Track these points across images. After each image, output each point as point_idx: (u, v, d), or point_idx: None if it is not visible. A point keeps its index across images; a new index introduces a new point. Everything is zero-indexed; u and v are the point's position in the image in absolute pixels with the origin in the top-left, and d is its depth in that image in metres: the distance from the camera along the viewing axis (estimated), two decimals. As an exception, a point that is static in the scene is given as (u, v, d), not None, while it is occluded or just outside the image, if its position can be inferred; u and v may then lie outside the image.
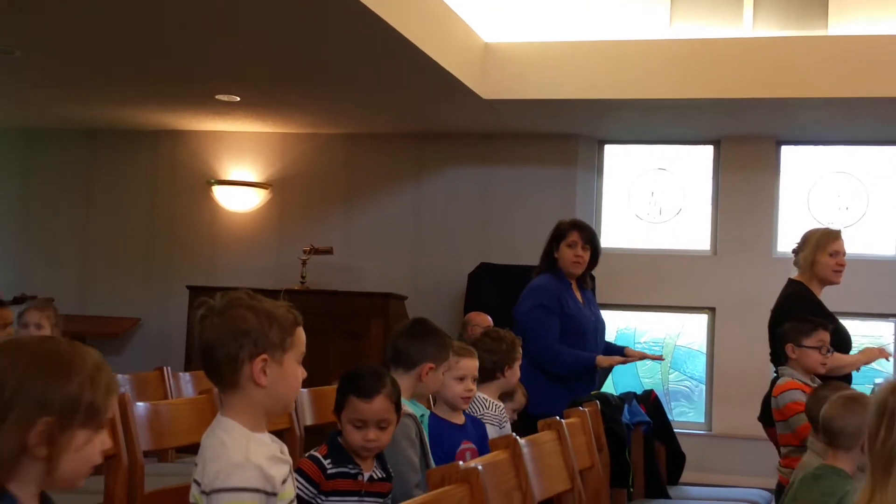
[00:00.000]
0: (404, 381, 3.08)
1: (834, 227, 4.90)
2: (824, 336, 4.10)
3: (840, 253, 4.75)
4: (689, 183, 8.48)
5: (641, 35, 7.19)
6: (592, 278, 5.29)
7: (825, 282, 4.77)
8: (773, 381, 4.67)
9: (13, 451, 1.58)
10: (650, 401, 4.88)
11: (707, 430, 8.16)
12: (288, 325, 2.16)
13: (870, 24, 6.88)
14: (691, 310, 8.34)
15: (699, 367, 8.32)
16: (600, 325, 4.98)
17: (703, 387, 8.28)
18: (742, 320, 8.09)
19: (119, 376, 4.64)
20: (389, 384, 2.69)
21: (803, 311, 4.54)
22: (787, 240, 8.23)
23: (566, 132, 8.35)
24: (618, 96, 7.19)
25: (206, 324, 2.13)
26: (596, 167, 8.59)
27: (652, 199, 8.54)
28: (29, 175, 9.53)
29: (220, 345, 2.10)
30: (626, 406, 4.42)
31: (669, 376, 8.38)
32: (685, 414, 8.32)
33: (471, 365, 3.38)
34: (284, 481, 2.10)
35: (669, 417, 5.21)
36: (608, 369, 4.88)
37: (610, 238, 8.56)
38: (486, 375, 3.81)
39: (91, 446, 1.67)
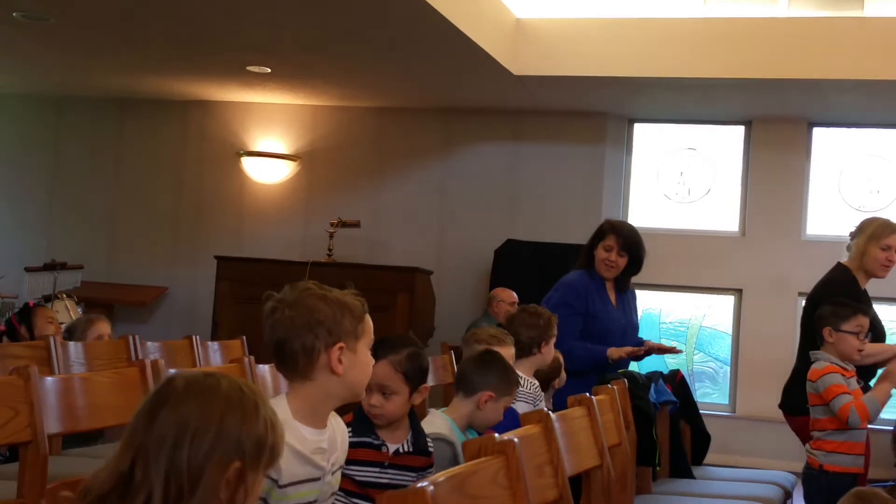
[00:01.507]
0: (462, 406, 3.05)
1: (894, 220, 4.77)
2: (863, 321, 4.04)
3: (893, 248, 4.61)
4: (718, 163, 8.43)
5: (674, 13, 7.13)
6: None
7: (871, 274, 4.66)
8: (797, 368, 4.65)
9: (209, 497, 1.51)
10: (676, 381, 4.85)
11: (731, 411, 8.15)
12: (359, 313, 2.18)
13: (907, 6, 6.79)
14: (718, 291, 8.32)
15: (724, 349, 8.30)
16: (630, 329, 4.87)
17: (728, 368, 8.26)
18: (769, 303, 8.07)
19: (149, 343, 4.70)
20: (403, 354, 2.65)
21: (844, 296, 4.48)
22: (816, 223, 8.18)
23: (596, 110, 8.31)
24: (649, 74, 7.15)
25: (277, 317, 2.13)
26: (625, 145, 8.56)
27: (681, 178, 8.50)
28: (59, 142, 9.59)
29: (294, 336, 2.11)
30: (652, 385, 4.41)
31: (694, 357, 8.36)
32: (709, 395, 8.30)
33: (505, 354, 3.33)
34: (302, 482, 2.09)
35: (694, 397, 5.19)
36: (625, 361, 4.82)
37: (637, 217, 8.53)
38: (523, 351, 3.84)
39: (257, 487, 1.60)
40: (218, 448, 1.50)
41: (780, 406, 4.77)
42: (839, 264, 4.73)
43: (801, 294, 8.03)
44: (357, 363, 2.15)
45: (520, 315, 3.93)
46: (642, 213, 8.52)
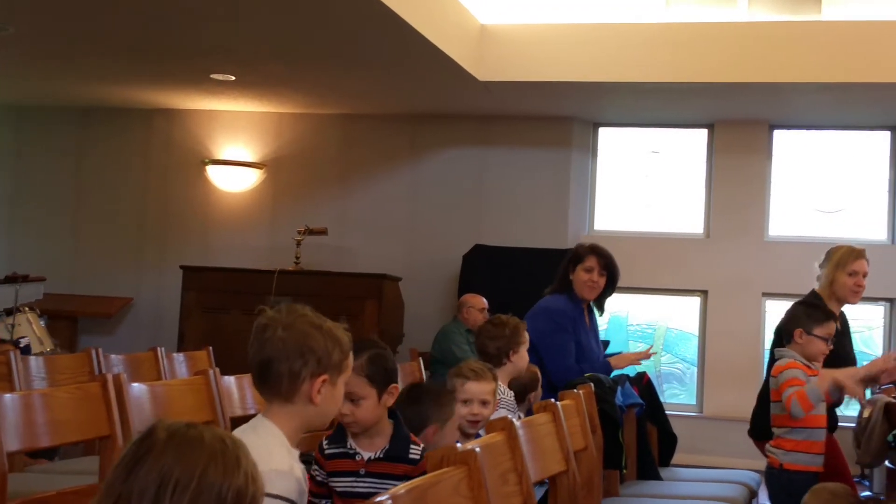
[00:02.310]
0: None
1: (858, 245, 4.78)
2: (832, 329, 4.07)
3: (860, 273, 4.66)
4: (682, 166, 8.49)
5: (637, 18, 7.18)
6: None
7: (842, 301, 4.70)
8: (763, 393, 4.67)
9: None
10: (643, 383, 4.90)
11: (698, 411, 8.20)
12: (346, 349, 2.19)
13: (863, 9, 6.88)
14: (684, 292, 8.38)
15: (691, 350, 8.36)
16: (599, 350, 4.95)
17: (695, 369, 8.32)
18: (734, 303, 8.14)
19: (112, 356, 4.66)
20: (364, 358, 2.62)
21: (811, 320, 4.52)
22: (778, 224, 8.27)
23: (561, 114, 8.35)
24: (613, 79, 7.20)
25: (268, 335, 2.14)
26: (591, 149, 8.60)
27: (646, 181, 8.56)
28: (20, 152, 9.49)
29: (283, 358, 2.12)
30: (619, 388, 4.43)
31: (661, 359, 8.41)
32: (677, 396, 8.36)
33: (476, 389, 3.27)
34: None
35: (661, 399, 5.22)
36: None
37: (603, 221, 8.59)
38: (492, 362, 3.85)
39: None
40: (199, 501, 1.48)
41: (750, 433, 4.76)
42: (813, 291, 4.76)
43: (765, 294, 8.13)
44: (333, 396, 2.17)
45: (485, 327, 3.95)
46: (608, 216, 8.58)
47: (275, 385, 2.13)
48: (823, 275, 4.73)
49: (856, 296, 4.70)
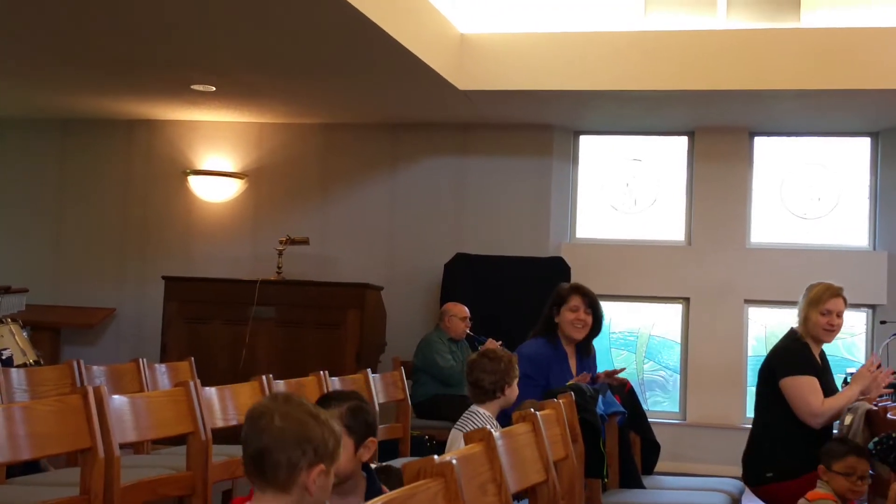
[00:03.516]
0: None
1: (836, 284, 4.72)
2: (854, 462, 3.99)
3: (833, 312, 4.59)
4: (663, 173, 8.53)
5: (616, 27, 7.22)
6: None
7: (816, 340, 4.65)
8: (753, 435, 4.69)
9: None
10: (625, 391, 4.90)
11: (681, 419, 8.23)
12: (339, 437, 2.20)
13: (841, 17, 6.94)
14: (666, 300, 8.40)
15: (673, 357, 8.39)
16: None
17: (678, 376, 8.35)
18: (716, 310, 8.18)
19: (94, 368, 4.65)
20: (344, 407, 2.63)
21: (798, 367, 4.53)
22: (760, 231, 8.32)
23: (541, 122, 8.38)
24: (593, 87, 7.22)
25: (264, 424, 2.12)
26: (571, 157, 8.63)
27: (626, 189, 8.59)
28: (1, 164, 9.44)
29: (281, 448, 2.10)
30: (600, 397, 4.44)
31: (644, 366, 8.44)
32: (660, 403, 8.38)
33: None
34: None
35: (644, 407, 5.24)
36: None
37: (584, 229, 8.61)
38: (486, 395, 3.88)
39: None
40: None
41: (743, 479, 4.76)
42: (792, 330, 4.73)
43: (747, 301, 8.17)
44: (326, 485, 2.16)
45: (480, 361, 3.94)
46: (589, 224, 8.60)
47: (271, 475, 2.11)
48: (799, 311, 4.68)
49: (829, 335, 4.63)
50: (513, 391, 3.96)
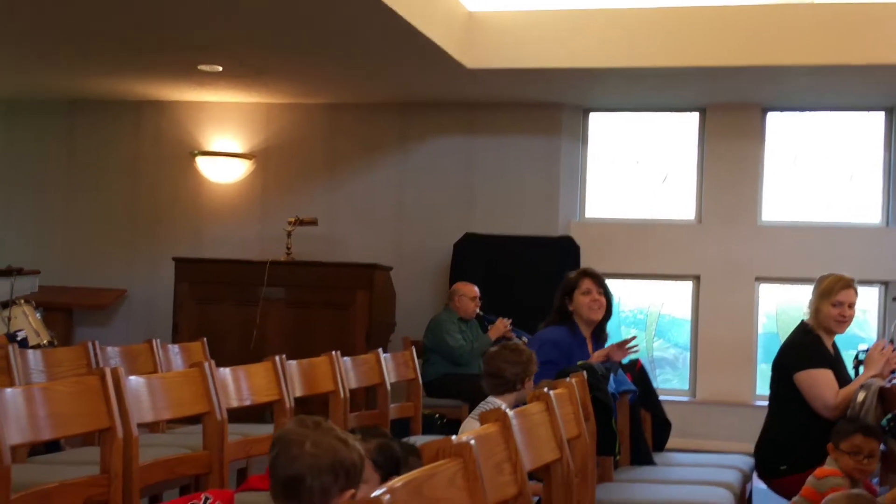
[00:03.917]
0: None
1: (847, 275, 4.68)
2: (860, 441, 3.95)
3: (845, 304, 4.57)
4: (674, 151, 8.50)
5: (626, 3, 7.18)
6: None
7: (828, 331, 4.64)
8: (766, 429, 4.68)
9: None
10: (636, 370, 4.91)
11: (691, 396, 8.25)
12: (365, 459, 2.23)
13: (854, -8, 6.89)
14: (676, 278, 8.40)
15: (683, 335, 8.40)
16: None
17: (688, 354, 8.36)
18: (726, 288, 8.17)
19: (109, 349, 4.68)
20: (373, 444, 2.66)
21: (811, 360, 4.53)
22: (771, 208, 8.29)
23: (550, 101, 8.35)
24: (602, 65, 7.19)
25: (296, 452, 2.12)
26: (581, 136, 8.61)
27: (637, 167, 8.57)
28: (10, 145, 9.46)
29: (315, 475, 2.10)
30: (612, 375, 4.46)
31: (654, 344, 8.45)
32: (669, 381, 8.40)
33: None
34: None
35: (654, 385, 5.25)
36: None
37: (594, 207, 8.60)
38: (506, 386, 3.90)
39: None
40: None
41: (756, 471, 4.75)
42: (802, 323, 4.72)
43: (757, 279, 8.17)
44: None
45: (502, 352, 3.97)
46: (599, 203, 8.59)
47: (304, 501, 2.12)
48: (811, 303, 4.67)
49: (841, 326, 4.62)
50: (530, 385, 3.99)
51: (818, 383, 4.50)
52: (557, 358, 4.61)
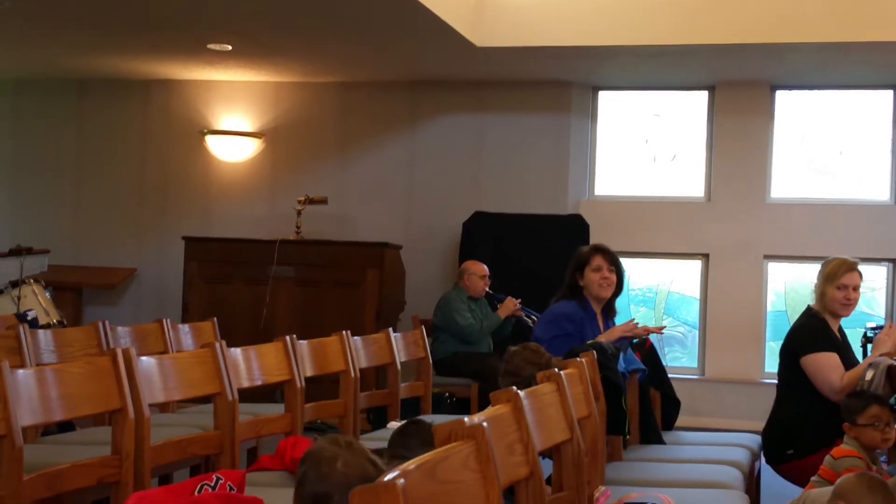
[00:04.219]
0: None
1: (851, 258, 4.70)
2: (877, 411, 3.96)
3: (850, 287, 4.59)
4: (683, 129, 8.48)
5: (636, -19, 7.14)
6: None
7: (835, 314, 4.66)
8: (774, 414, 4.69)
9: None
10: (645, 349, 4.92)
11: (700, 374, 8.25)
12: None
13: (865, -31, 6.84)
14: (685, 256, 8.40)
15: (692, 313, 8.40)
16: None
17: (697, 332, 8.36)
18: (735, 266, 8.16)
19: (119, 328, 4.70)
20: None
21: (817, 344, 4.54)
22: (780, 186, 8.27)
23: (560, 79, 8.33)
24: (611, 43, 7.16)
25: (326, 470, 2.14)
26: (590, 114, 8.58)
27: (646, 145, 8.55)
28: (19, 125, 9.48)
29: (343, 492, 2.09)
30: (621, 354, 4.46)
31: (663, 322, 8.44)
32: (678, 359, 8.41)
33: None
34: None
35: (663, 363, 5.25)
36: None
37: (603, 185, 8.59)
38: (521, 385, 3.89)
39: None
40: None
41: (764, 457, 4.76)
42: (809, 308, 4.73)
43: (766, 256, 8.16)
44: None
45: (523, 352, 3.95)
46: (609, 180, 8.58)
47: None
48: (816, 287, 4.69)
49: (846, 308, 4.64)
50: None
51: (824, 366, 4.51)
52: (573, 331, 4.66)
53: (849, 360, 4.61)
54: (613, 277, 4.83)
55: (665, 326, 5.26)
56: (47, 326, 6.47)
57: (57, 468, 2.89)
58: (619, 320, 5.08)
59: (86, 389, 3.05)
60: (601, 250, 4.86)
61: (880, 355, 4.46)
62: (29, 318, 6.33)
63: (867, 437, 3.87)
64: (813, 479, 3.89)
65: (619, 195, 8.52)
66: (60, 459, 3.04)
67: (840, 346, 4.64)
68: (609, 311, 4.95)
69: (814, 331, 4.62)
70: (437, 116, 8.69)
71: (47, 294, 7.34)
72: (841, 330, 4.74)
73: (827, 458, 3.88)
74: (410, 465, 1.72)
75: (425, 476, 1.76)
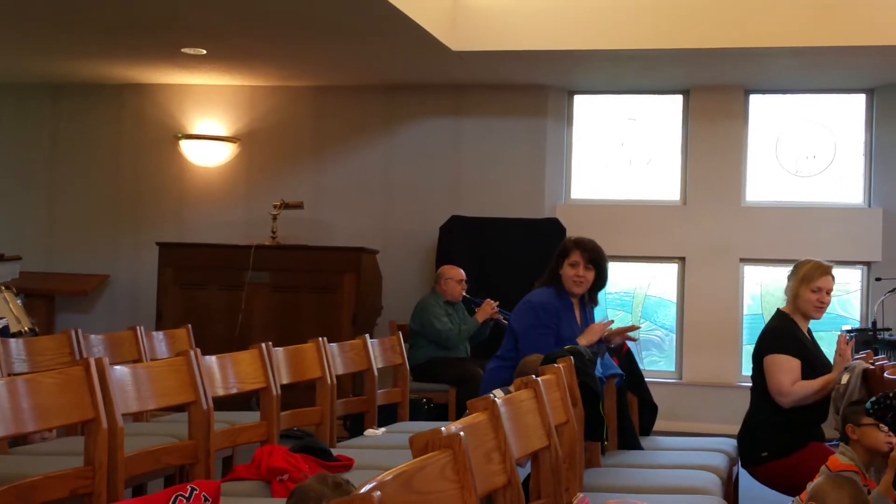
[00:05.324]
0: None
1: (826, 262, 4.72)
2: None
3: (823, 290, 4.62)
4: (658, 133, 8.50)
5: (611, -15, 7.16)
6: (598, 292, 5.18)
7: (807, 316, 4.68)
8: (749, 416, 4.69)
9: None
10: (622, 353, 4.92)
11: (678, 378, 8.27)
12: None
13: (838, -27, 6.88)
14: (661, 259, 8.42)
15: (669, 317, 8.41)
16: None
17: (674, 336, 8.37)
18: (711, 269, 8.19)
19: (92, 337, 4.64)
20: None
21: (782, 345, 4.55)
22: (755, 189, 8.31)
23: (536, 83, 8.33)
24: (587, 47, 7.18)
25: None
26: (566, 118, 8.59)
27: (622, 149, 8.56)
28: (-8, 130, 9.38)
29: None
30: (598, 359, 4.45)
31: (640, 326, 8.44)
32: (656, 363, 8.42)
33: None
34: None
35: (641, 367, 5.26)
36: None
37: (579, 189, 8.60)
38: None
39: None
40: None
41: (739, 460, 4.77)
42: (779, 311, 4.75)
43: (742, 260, 8.19)
44: None
45: (537, 360, 3.95)
46: (584, 184, 8.59)
47: None
48: (789, 289, 4.71)
49: (819, 311, 4.67)
50: None
51: (781, 368, 4.53)
52: (547, 321, 4.70)
53: (819, 361, 4.63)
54: (589, 276, 4.83)
55: (639, 327, 5.24)
56: (19, 334, 6.40)
57: (29, 480, 2.84)
58: (598, 316, 5.10)
59: (58, 400, 3.00)
60: (580, 246, 4.84)
61: (857, 357, 4.47)
62: (0, 325, 6.26)
63: (870, 438, 3.75)
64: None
65: (595, 199, 8.53)
66: (32, 471, 2.99)
67: (808, 346, 4.66)
68: (587, 302, 4.96)
69: (782, 332, 4.65)
70: (413, 120, 8.67)
71: (19, 301, 7.26)
72: (810, 332, 4.77)
73: (823, 467, 3.83)
74: (387, 476, 1.70)
75: (402, 487, 1.74)
